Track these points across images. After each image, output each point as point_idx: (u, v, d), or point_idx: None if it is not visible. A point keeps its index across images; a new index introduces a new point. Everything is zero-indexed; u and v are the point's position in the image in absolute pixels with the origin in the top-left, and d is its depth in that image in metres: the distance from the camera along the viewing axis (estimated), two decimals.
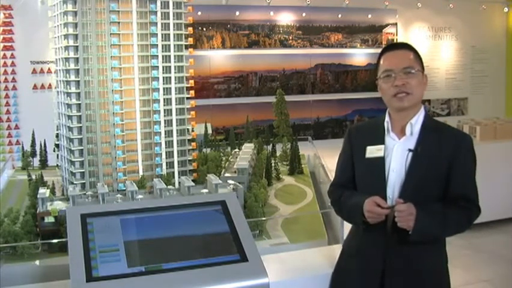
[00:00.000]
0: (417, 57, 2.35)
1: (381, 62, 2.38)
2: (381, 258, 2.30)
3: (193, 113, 6.07)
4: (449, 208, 2.24)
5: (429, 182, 2.26)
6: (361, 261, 2.39)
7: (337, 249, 2.65)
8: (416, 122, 2.32)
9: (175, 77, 5.83)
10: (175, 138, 5.92)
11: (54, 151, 6.60)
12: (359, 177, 2.43)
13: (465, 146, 2.31)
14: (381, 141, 2.35)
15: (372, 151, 2.34)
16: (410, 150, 2.26)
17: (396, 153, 2.30)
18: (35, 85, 9.76)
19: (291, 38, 12.08)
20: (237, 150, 7.54)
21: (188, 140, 6.04)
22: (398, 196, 2.25)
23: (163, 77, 5.74)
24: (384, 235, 2.27)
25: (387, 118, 2.39)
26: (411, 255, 2.28)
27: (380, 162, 2.30)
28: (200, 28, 11.12)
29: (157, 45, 5.68)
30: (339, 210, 2.54)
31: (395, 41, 12.79)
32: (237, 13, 11.51)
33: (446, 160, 2.26)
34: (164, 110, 5.79)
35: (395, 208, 2.17)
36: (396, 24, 12.91)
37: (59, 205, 4.87)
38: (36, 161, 7.24)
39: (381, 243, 2.29)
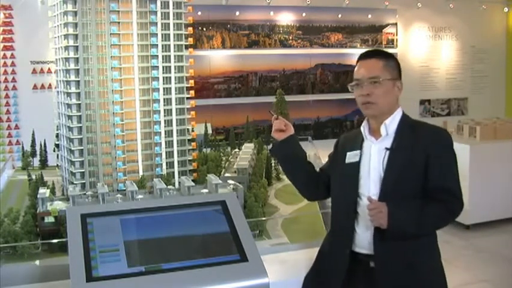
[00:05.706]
0: (388, 65, 2.38)
1: (355, 69, 2.44)
2: (347, 260, 2.36)
3: (193, 113, 6.07)
4: (427, 203, 2.27)
5: (408, 177, 2.30)
6: (329, 262, 2.47)
7: None
8: (391, 123, 2.38)
9: (175, 77, 5.83)
10: (175, 138, 5.92)
11: (54, 151, 6.60)
12: (335, 179, 2.54)
13: (441, 139, 2.36)
14: (359, 147, 2.45)
15: (351, 156, 2.46)
16: (386, 148, 2.34)
17: (373, 152, 2.38)
18: (35, 85, 9.75)
19: (291, 38, 12.07)
20: (237, 150, 7.54)
21: (189, 140, 6.04)
22: (379, 193, 2.30)
23: (163, 77, 5.75)
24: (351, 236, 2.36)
25: (364, 123, 2.48)
26: (398, 251, 2.29)
27: (355, 165, 2.41)
28: (200, 28, 11.11)
29: (157, 45, 5.68)
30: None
31: (394, 41, 12.81)
32: (237, 13, 11.50)
33: (422, 154, 2.29)
34: (164, 110, 5.79)
35: (367, 206, 2.23)
36: (396, 24, 12.89)
37: (59, 205, 4.88)
38: (36, 161, 7.24)
39: (348, 245, 2.36)
